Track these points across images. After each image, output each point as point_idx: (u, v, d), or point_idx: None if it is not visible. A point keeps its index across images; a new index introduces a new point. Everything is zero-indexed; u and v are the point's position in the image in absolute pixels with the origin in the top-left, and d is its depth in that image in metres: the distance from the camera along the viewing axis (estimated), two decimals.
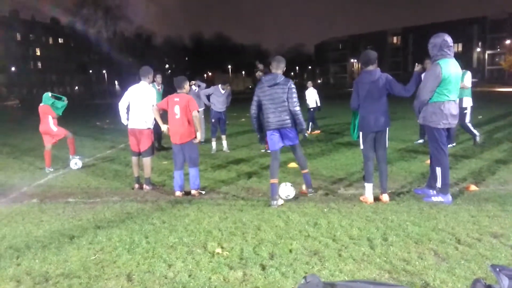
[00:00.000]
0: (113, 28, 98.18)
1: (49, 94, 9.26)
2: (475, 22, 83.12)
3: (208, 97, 10.98)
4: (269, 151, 10.07)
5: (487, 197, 5.88)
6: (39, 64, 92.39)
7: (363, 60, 5.94)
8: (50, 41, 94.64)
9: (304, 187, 6.56)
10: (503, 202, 5.62)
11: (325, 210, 5.65)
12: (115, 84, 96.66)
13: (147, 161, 7.29)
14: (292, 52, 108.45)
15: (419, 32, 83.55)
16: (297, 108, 5.96)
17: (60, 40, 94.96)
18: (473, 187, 6.37)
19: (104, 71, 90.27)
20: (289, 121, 5.99)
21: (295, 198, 6.24)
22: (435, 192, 5.94)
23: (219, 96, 10.85)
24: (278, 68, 6.06)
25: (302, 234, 4.78)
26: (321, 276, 3.75)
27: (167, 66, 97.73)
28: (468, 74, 9.74)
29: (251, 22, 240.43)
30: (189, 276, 3.86)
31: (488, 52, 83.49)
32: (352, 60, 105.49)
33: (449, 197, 5.75)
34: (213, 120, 10.92)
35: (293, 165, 8.16)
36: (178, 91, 6.78)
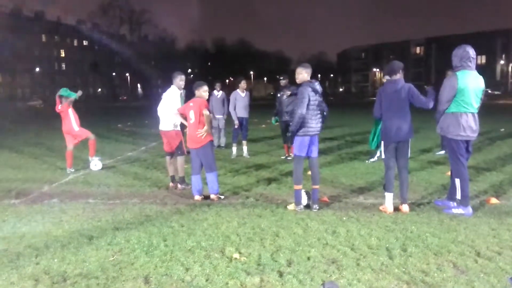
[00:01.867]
0: (137, 32, 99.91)
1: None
2: (499, 35, 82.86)
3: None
4: (289, 158, 10.23)
5: (508, 211, 5.86)
6: (63, 66, 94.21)
7: (388, 70, 6.00)
8: (75, 43, 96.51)
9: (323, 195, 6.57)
10: None
11: (344, 218, 5.66)
12: (137, 87, 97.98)
13: (178, 160, 7.60)
14: (314, 60, 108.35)
15: (442, 42, 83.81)
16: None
17: (85, 43, 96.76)
18: (494, 200, 6.34)
19: (127, 74, 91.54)
20: (320, 129, 6.21)
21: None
22: (455, 204, 5.91)
23: (240, 101, 10.93)
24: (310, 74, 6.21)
25: (321, 242, 4.79)
26: (339, 285, 3.74)
27: (189, 70, 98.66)
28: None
29: (274, 29, 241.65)
30: (206, 280, 3.88)
31: (511, 65, 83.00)
32: (374, 69, 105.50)
33: (470, 209, 5.72)
34: (236, 126, 10.99)
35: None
36: (196, 95, 6.92)
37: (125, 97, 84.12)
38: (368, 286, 3.71)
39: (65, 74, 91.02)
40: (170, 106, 7.35)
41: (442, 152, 10.44)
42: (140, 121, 24.94)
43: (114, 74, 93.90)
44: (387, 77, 6.17)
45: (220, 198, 6.83)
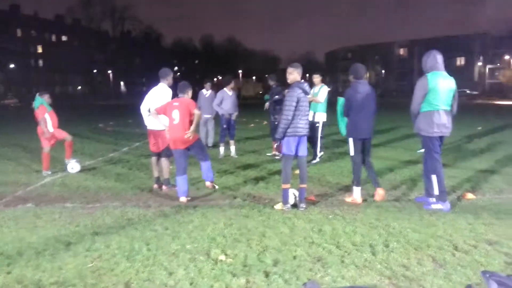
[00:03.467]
0: (120, 28, 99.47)
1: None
2: (477, 38, 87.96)
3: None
4: (277, 157, 10.33)
5: (483, 205, 6.39)
6: (40, 62, 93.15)
7: (359, 73, 6.71)
8: (53, 38, 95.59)
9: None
10: (498, 210, 6.07)
11: (330, 216, 5.91)
12: (120, 85, 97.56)
13: (163, 161, 7.62)
14: (303, 59, 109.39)
15: (425, 45, 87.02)
16: None
17: (64, 38, 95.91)
18: (470, 196, 6.91)
19: (109, 72, 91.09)
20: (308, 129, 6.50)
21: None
22: (434, 200, 6.34)
23: (227, 99, 11.02)
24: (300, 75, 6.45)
25: (307, 241, 4.95)
26: (323, 282, 3.90)
27: (176, 68, 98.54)
28: (324, 89, 9.85)
29: (263, 28, 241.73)
30: (191, 284, 3.89)
31: (488, 66, 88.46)
32: None
33: (448, 204, 6.21)
34: (224, 126, 11.03)
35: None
36: (180, 96, 6.95)
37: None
38: (352, 282, 3.90)
39: (42, 71, 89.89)
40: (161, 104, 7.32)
41: (423, 150, 10.63)
42: (123, 120, 24.87)
43: (95, 71, 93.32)
44: (352, 79, 6.74)
45: (214, 187, 7.00)
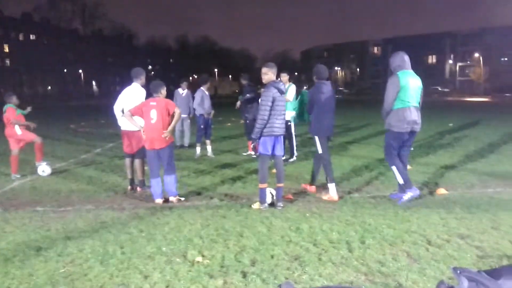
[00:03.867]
0: (91, 26, 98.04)
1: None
2: (448, 36, 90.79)
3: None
4: (254, 156, 10.37)
5: (455, 200, 6.60)
6: (7, 62, 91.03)
7: (322, 74, 7.04)
8: (21, 37, 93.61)
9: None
10: (469, 205, 6.28)
11: (307, 215, 5.99)
12: (92, 85, 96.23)
13: (138, 163, 7.54)
14: (279, 58, 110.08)
15: (398, 43, 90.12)
16: None
17: (32, 37, 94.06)
18: (443, 191, 7.11)
19: (80, 71, 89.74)
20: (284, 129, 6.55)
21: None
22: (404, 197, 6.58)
23: (207, 99, 11.03)
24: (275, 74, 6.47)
25: (284, 240, 5.01)
26: (301, 281, 3.94)
27: (150, 67, 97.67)
28: (292, 87, 10.00)
29: (239, 27, 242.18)
30: (167, 287, 3.85)
31: (459, 64, 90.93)
32: (336, 68, 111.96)
33: (416, 190, 6.54)
34: (202, 126, 11.01)
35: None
36: (154, 95, 6.86)
37: None
38: (329, 280, 3.98)
39: (9, 71, 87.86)
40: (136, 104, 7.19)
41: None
42: (95, 121, 24.53)
43: (66, 71, 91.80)
44: (316, 79, 7.06)
45: (180, 200, 6.82)
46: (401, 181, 6.55)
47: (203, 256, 4.52)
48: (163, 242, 4.95)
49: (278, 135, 6.32)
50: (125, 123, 7.43)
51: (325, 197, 6.81)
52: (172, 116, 6.75)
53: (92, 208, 6.55)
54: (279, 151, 6.45)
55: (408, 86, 6.37)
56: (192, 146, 12.07)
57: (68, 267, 4.35)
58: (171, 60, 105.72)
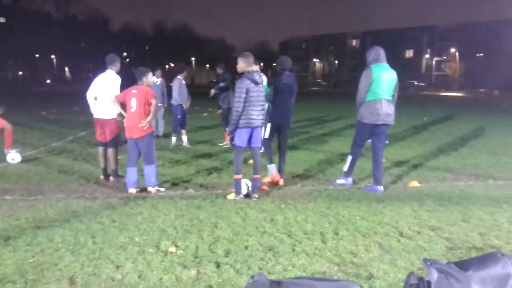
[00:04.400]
0: (64, 10, 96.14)
1: None
2: (425, 30, 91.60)
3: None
4: (226, 146, 10.40)
5: (427, 193, 6.80)
6: None
7: (285, 65, 7.32)
8: None
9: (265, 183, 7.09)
10: (441, 198, 6.48)
11: (282, 206, 6.06)
12: (65, 71, 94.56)
13: (112, 152, 7.46)
14: (257, 48, 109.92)
15: (376, 36, 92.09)
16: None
17: (1, 20, 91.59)
18: (415, 184, 7.31)
19: (53, 56, 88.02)
20: (263, 120, 6.51)
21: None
22: (381, 188, 6.91)
23: (184, 88, 10.98)
24: (253, 65, 6.41)
25: (259, 231, 5.06)
26: (274, 271, 3.98)
27: (125, 54, 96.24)
28: (263, 78, 10.09)
29: (217, 15, 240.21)
30: (139, 277, 3.84)
31: (435, 59, 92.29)
32: (314, 60, 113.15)
33: (350, 180, 7.18)
34: (179, 116, 10.96)
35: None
36: (139, 83, 6.79)
37: None
38: (302, 270, 4.04)
39: None
40: (112, 92, 7.13)
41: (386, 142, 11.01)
42: (68, 108, 24.12)
43: (37, 56, 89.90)
44: (279, 70, 7.34)
45: (159, 190, 6.77)
46: (345, 168, 7.16)
47: (176, 246, 4.51)
48: (136, 232, 4.93)
49: (255, 126, 6.30)
50: (98, 111, 7.33)
51: (266, 179, 7.23)
52: (150, 105, 6.68)
53: (63, 197, 6.47)
54: (256, 143, 6.45)
55: (380, 79, 6.60)
56: (167, 136, 12.00)
57: (37, 257, 4.30)
58: (146, 48, 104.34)
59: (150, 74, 6.95)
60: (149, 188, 6.73)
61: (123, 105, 6.88)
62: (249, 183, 6.48)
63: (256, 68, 6.48)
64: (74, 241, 4.68)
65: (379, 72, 6.62)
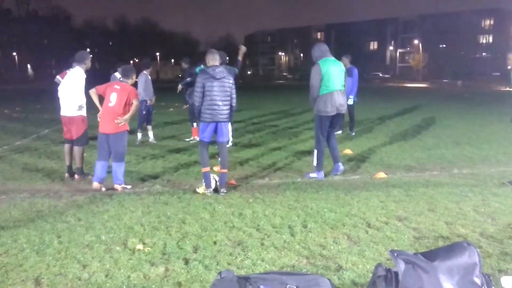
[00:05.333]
0: (26, 7, 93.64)
1: None
2: (389, 22, 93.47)
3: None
4: (194, 141, 10.39)
5: (394, 184, 6.86)
6: None
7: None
8: None
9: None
10: (407, 188, 6.55)
11: (250, 200, 6.06)
12: (27, 68, 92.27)
13: (78, 150, 7.32)
14: (222, 42, 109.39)
15: (340, 29, 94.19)
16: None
17: None
18: (382, 175, 7.44)
19: (14, 54, 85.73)
20: (228, 115, 6.49)
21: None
22: (339, 165, 7.39)
23: (149, 84, 10.88)
24: (217, 60, 6.44)
25: (227, 225, 5.06)
26: (243, 266, 3.99)
27: (88, 50, 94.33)
28: None
29: (180, 9, 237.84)
30: (106, 276, 3.79)
31: (399, 50, 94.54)
32: (280, 53, 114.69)
33: (322, 174, 7.28)
34: (144, 112, 10.81)
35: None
36: (123, 79, 6.79)
37: None
38: (271, 264, 4.03)
39: None
40: (77, 89, 7.06)
41: (339, 132, 11.35)
42: (31, 106, 23.54)
43: None
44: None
45: (125, 188, 6.70)
46: (315, 163, 7.26)
47: (144, 243, 4.48)
48: (102, 231, 4.87)
49: (217, 121, 6.32)
50: (64, 108, 7.23)
51: (199, 189, 6.46)
52: (131, 105, 6.60)
53: (27, 196, 6.33)
54: (221, 137, 6.47)
55: (330, 73, 6.93)
56: (132, 132, 11.84)
57: (1, 258, 4.21)
58: (110, 43, 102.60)
59: (135, 74, 7.00)
60: (116, 186, 6.65)
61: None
62: (217, 178, 6.49)
63: (217, 63, 6.40)
64: (39, 241, 4.59)
65: (327, 66, 6.94)
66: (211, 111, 6.25)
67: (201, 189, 6.38)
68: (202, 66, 7.42)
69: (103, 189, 6.64)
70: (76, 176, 7.38)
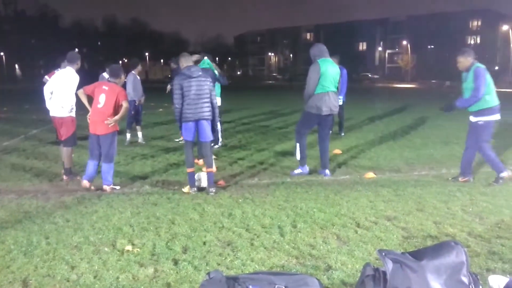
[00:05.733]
0: (13, 6, 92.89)
1: None
2: (378, 23, 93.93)
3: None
4: (183, 142, 10.34)
5: (383, 184, 6.89)
6: None
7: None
8: None
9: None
10: (396, 188, 6.57)
11: (240, 200, 6.06)
12: (15, 68, 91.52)
13: (66, 151, 7.29)
14: (212, 42, 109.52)
15: (329, 29, 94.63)
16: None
17: None
18: (371, 175, 7.48)
19: (1, 54, 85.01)
20: (210, 113, 6.48)
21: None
22: (327, 171, 7.41)
23: (138, 84, 10.83)
24: (191, 61, 6.57)
25: (217, 226, 5.05)
26: (233, 266, 3.99)
27: (76, 50, 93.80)
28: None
29: (170, 9, 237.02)
30: (95, 277, 3.77)
31: (388, 51, 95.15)
32: (269, 53, 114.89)
33: (306, 168, 7.48)
34: (132, 112, 10.74)
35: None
36: (111, 79, 6.76)
37: None
38: (261, 264, 4.03)
39: None
40: (69, 90, 7.04)
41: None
42: (19, 106, 23.33)
43: None
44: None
45: (114, 188, 6.67)
46: (298, 157, 7.45)
47: (133, 244, 4.45)
48: (90, 232, 4.83)
49: (197, 119, 6.34)
50: (53, 108, 7.20)
51: (185, 189, 6.51)
52: (121, 106, 6.57)
53: (15, 197, 6.27)
54: (203, 137, 6.51)
55: (327, 73, 7.04)
56: (121, 132, 11.78)
57: None
58: (98, 43, 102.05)
59: (123, 73, 6.97)
60: (105, 187, 6.62)
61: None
62: (201, 177, 6.53)
63: (191, 63, 6.51)
64: (27, 243, 4.55)
65: (326, 66, 7.06)
66: (192, 110, 6.28)
67: (186, 189, 6.43)
68: None
69: (92, 187, 6.60)
70: (64, 177, 7.33)
